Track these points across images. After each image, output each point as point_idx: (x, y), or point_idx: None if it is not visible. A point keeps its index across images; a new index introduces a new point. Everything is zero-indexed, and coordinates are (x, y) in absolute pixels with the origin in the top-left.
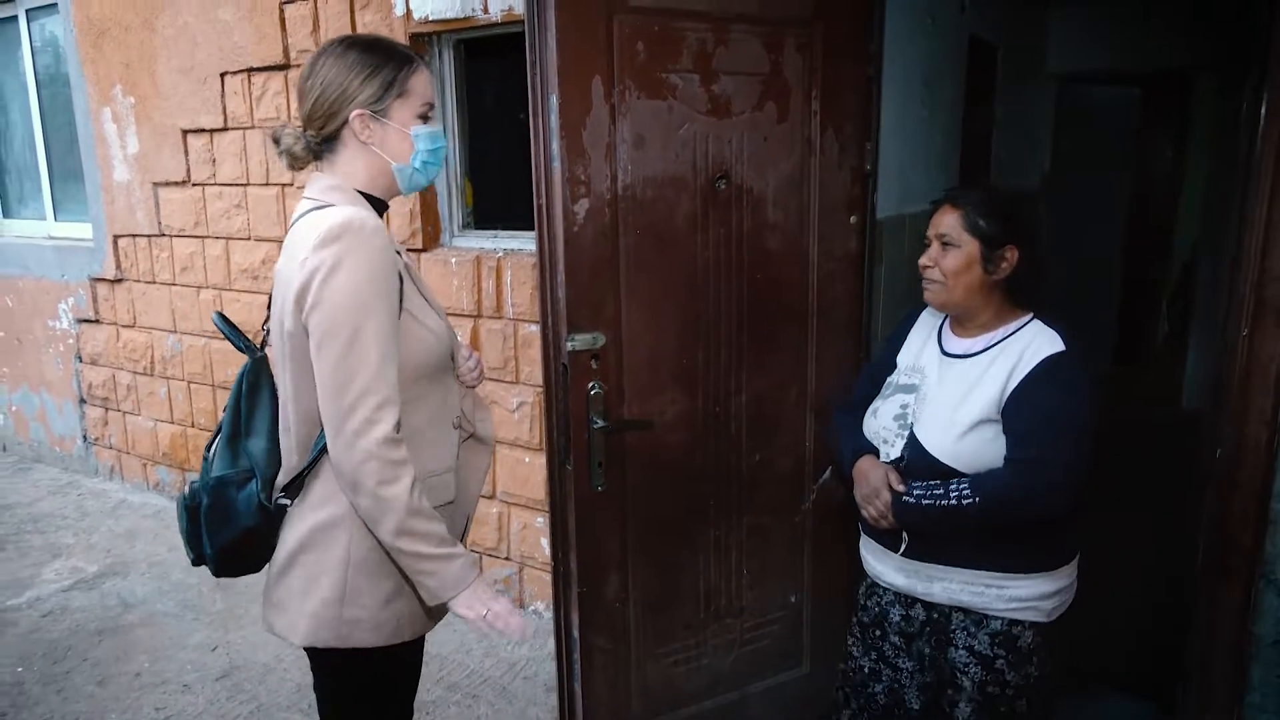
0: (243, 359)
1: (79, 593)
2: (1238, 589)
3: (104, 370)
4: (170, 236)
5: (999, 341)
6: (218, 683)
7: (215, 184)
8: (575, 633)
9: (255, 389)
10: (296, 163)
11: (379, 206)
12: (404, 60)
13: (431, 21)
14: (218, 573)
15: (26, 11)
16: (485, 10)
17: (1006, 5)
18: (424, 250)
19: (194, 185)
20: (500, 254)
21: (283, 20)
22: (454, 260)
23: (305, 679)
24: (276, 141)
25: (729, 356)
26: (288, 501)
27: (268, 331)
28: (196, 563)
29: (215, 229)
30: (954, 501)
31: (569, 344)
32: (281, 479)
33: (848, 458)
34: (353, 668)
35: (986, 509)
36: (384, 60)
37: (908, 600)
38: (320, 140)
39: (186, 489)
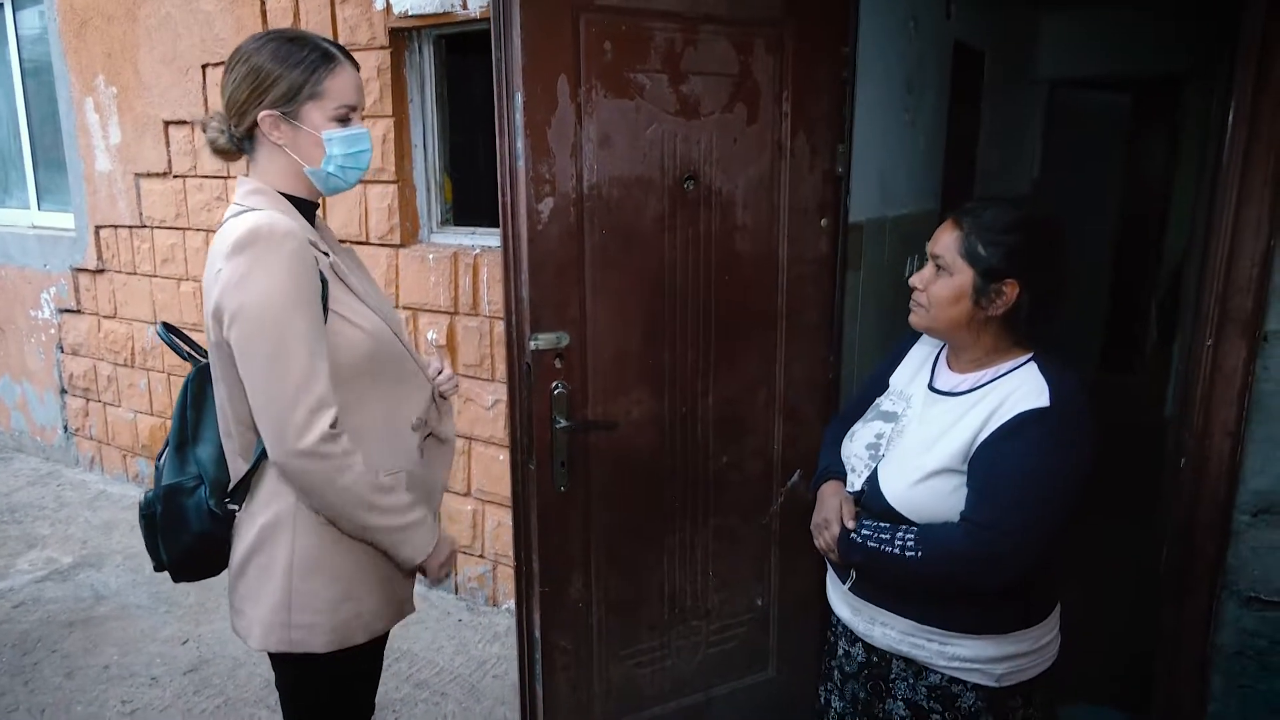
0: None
1: (52, 584)
2: (1201, 600)
3: (85, 361)
4: (151, 228)
5: (986, 383)
6: (186, 676)
7: (196, 176)
8: (537, 633)
9: (200, 397)
10: (223, 155)
11: (307, 206)
12: (322, 59)
13: (411, 16)
14: (176, 578)
15: (12, 0)
16: (464, 6)
17: (994, 10)
18: (402, 246)
19: (175, 177)
20: (477, 251)
21: (264, 12)
22: (431, 256)
23: (273, 674)
24: (204, 130)
25: (696, 358)
26: (236, 507)
27: None
28: (158, 569)
29: (196, 221)
30: (897, 551)
31: (532, 343)
32: (230, 483)
33: (816, 477)
34: (310, 671)
35: (930, 566)
36: (300, 58)
37: (852, 636)
38: (240, 136)
39: (142, 498)
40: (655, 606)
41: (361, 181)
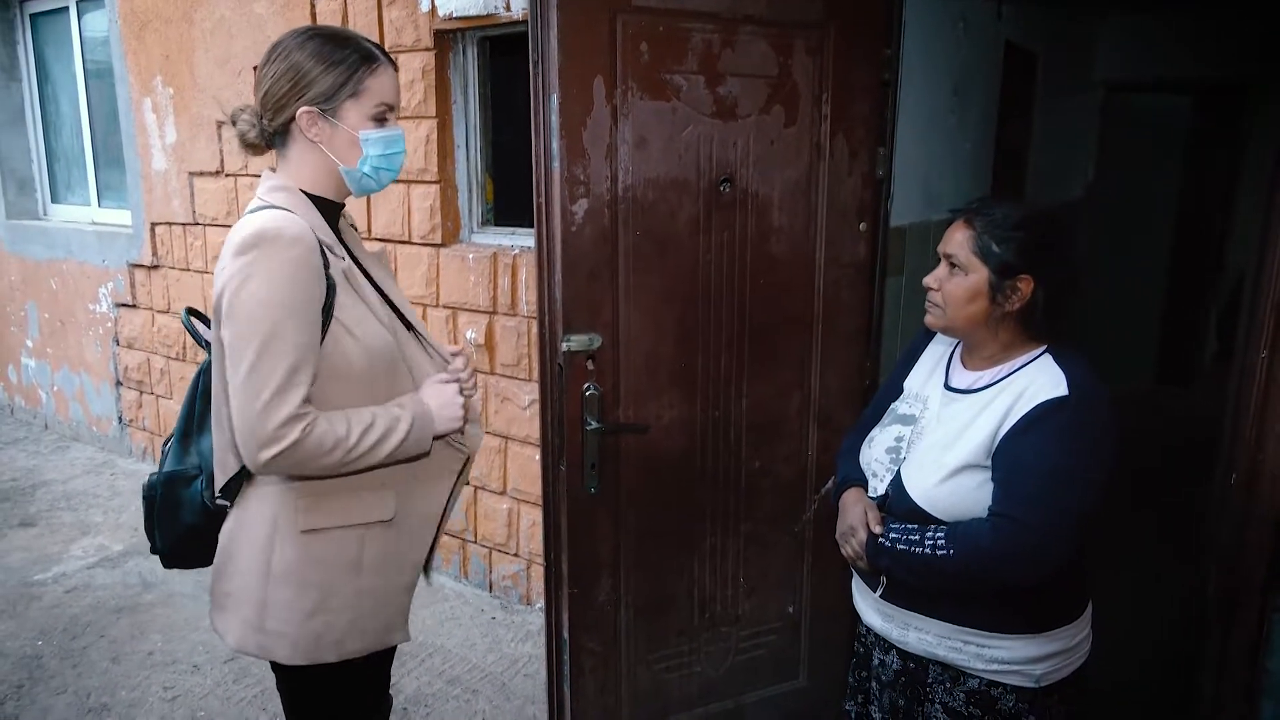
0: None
1: (103, 570)
2: (1250, 622)
3: (139, 354)
4: (204, 225)
5: (1003, 378)
6: (226, 665)
7: (247, 175)
8: (565, 634)
9: (207, 388)
10: (251, 149)
11: (331, 207)
12: (365, 58)
13: (456, 18)
14: (167, 565)
15: (77, 3)
16: (508, 8)
17: (1048, 11)
18: (443, 245)
19: (227, 175)
20: (517, 251)
21: (313, 14)
22: (471, 256)
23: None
24: (233, 123)
25: (729, 362)
26: (226, 504)
27: None
28: (154, 552)
29: None
30: (928, 551)
31: (565, 344)
32: (219, 479)
33: (837, 486)
34: (290, 678)
35: (962, 564)
36: (342, 56)
37: (885, 645)
38: (272, 131)
39: (146, 480)
40: (684, 611)
41: (405, 181)
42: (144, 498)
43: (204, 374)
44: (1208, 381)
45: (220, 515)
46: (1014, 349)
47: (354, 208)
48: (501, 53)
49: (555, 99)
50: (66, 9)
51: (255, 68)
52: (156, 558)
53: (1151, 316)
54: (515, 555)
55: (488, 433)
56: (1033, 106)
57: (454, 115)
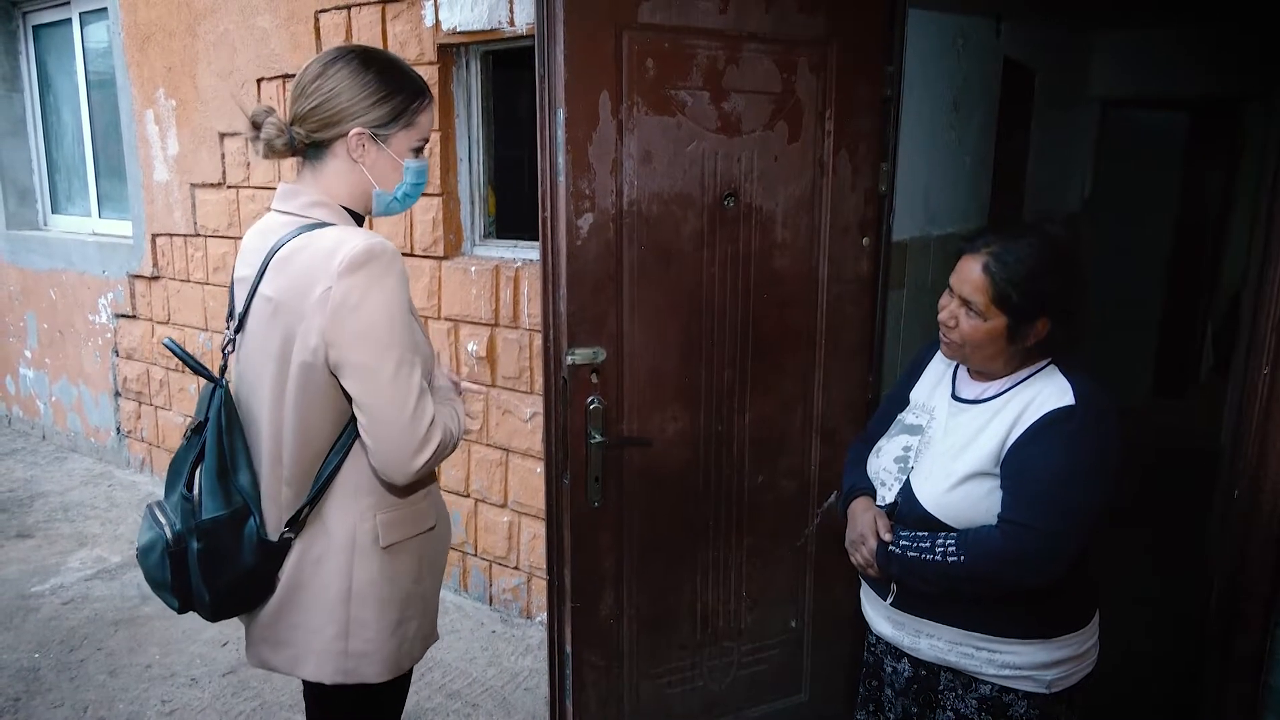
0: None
1: (100, 582)
2: (1253, 637)
3: (139, 365)
4: (205, 236)
5: (1011, 388)
6: (224, 678)
7: (249, 187)
8: (568, 648)
9: (233, 421)
10: (272, 154)
11: (359, 220)
12: (418, 92)
13: (459, 33)
14: (215, 616)
15: (80, 15)
16: (511, 23)
17: (1045, 28)
18: (445, 258)
19: (228, 187)
20: (519, 264)
21: (317, 29)
22: (474, 269)
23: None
24: (256, 126)
25: (733, 376)
26: (293, 535)
27: (227, 355)
28: (184, 610)
29: (248, 230)
30: (939, 557)
31: (569, 357)
32: (277, 512)
33: (844, 495)
34: (360, 701)
35: (973, 569)
36: (400, 87)
37: (897, 653)
38: (308, 143)
39: (168, 534)
40: (687, 625)
41: None
42: (167, 554)
43: (223, 408)
44: (1205, 394)
45: (279, 550)
46: (1023, 363)
47: None
48: (504, 66)
49: (561, 114)
50: (69, 20)
51: (259, 81)
52: None
53: (1149, 330)
54: (516, 568)
55: (489, 445)
56: (1031, 122)
57: (457, 128)
